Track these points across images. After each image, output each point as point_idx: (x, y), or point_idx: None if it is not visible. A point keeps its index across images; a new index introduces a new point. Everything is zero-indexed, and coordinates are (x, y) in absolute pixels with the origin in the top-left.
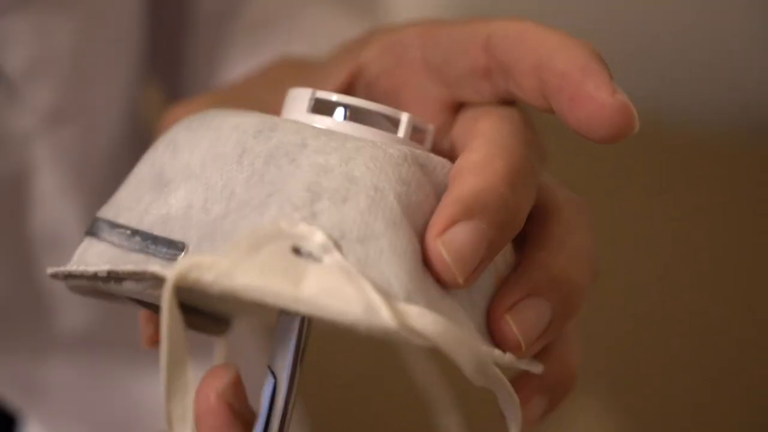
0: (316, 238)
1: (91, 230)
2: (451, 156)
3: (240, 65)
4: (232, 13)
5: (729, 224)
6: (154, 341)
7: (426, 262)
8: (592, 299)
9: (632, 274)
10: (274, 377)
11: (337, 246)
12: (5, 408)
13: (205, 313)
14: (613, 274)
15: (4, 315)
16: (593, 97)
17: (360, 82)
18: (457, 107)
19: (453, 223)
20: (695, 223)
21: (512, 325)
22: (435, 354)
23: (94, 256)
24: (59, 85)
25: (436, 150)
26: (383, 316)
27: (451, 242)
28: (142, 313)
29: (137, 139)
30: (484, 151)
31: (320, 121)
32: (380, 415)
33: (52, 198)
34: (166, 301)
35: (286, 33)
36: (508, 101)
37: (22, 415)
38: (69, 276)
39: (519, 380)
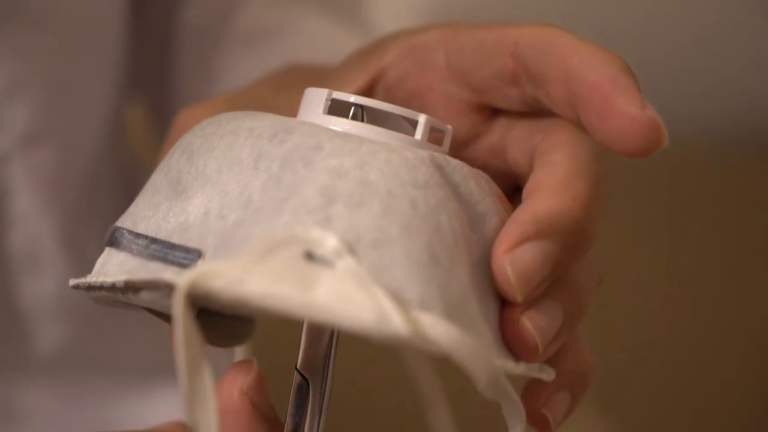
0: (329, 242)
1: (111, 240)
2: (491, 160)
3: (235, 77)
4: (219, 27)
5: (730, 228)
6: None
7: (491, 273)
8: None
9: (631, 278)
10: (306, 380)
11: (351, 251)
12: None
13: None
14: (613, 278)
15: None
16: (623, 112)
17: (380, 87)
18: (486, 111)
19: (524, 241)
20: (696, 226)
21: (530, 327)
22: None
23: (114, 266)
24: (36, 105)
25: (466, 153)
26: (395, 323)
27: (518, 261)
28: (168, 327)
29: (119, 157)
30: (566, 167)
31: (336, 123)
32: (371, 410)
33: (29, 218)
34: (178, 309)
35: (280, 44)
36: (535, 109)
37: None
38: (90, 288)
39: (537, 382)
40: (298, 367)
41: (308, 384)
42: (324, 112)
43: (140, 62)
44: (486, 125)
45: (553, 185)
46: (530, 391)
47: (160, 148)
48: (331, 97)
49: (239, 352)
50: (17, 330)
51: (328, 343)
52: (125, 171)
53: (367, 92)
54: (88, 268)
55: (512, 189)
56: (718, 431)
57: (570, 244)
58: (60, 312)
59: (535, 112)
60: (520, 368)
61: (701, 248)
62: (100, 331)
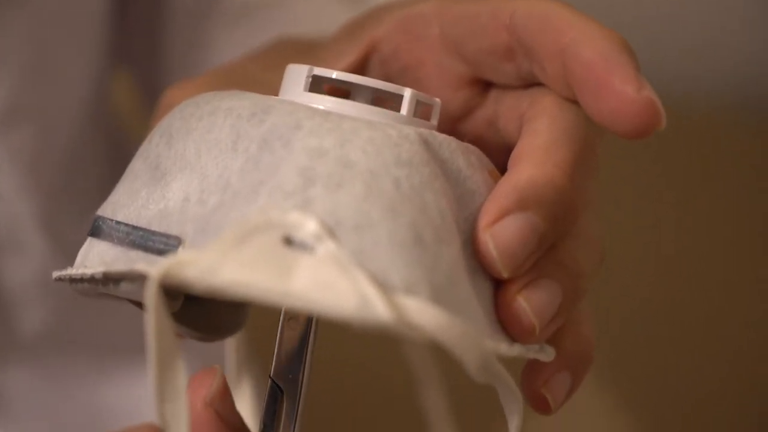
0: (308, 226)
1: (92, 230)
2: (487, 133)
3: (227, 51)
4: (210, 2)
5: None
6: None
7: (474, 251)
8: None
9: (630, 264)
10: (280, 389)
11: (332, 235)
12: None
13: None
14: (609, 264)
15: None
16: (618, 92)
17: (374, 59)
18: (481, 84)
19: (505, 214)
20: (698, 211)
21: (525, 306)
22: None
23: (94, 257)
24: (14, 83)
25: (462, 127)
26: (378, 310)
27: (499, 235)
28: None
29: (103, 135)
30: (547, 135)
31: (318, 101)
32: (348, 419)
33: (7, 199)
34: (150, 300)
35: (274, 18)
36: (532, 83)
37: None
38: (72, 280)
39: (537, 363)
40: (271, 375)
41: (282, 392)
42: (305, 90)
43: (127, 38)
44: (481, 98)
45: (535, 154)
46: (529, 371)
47: (148, 128)
48: (312, 74)
49: (230, 348)
50: (0, 310)
51: (304, 350)
52: (110, 148)
53: (361, 66)
54: (68, 249)
55: None
56: (723, 410)
57: (554, 214)
58: (42, 293)
59: (531, 86)
60: (515, 350)
61: (704, 235)
62: (83, 312)
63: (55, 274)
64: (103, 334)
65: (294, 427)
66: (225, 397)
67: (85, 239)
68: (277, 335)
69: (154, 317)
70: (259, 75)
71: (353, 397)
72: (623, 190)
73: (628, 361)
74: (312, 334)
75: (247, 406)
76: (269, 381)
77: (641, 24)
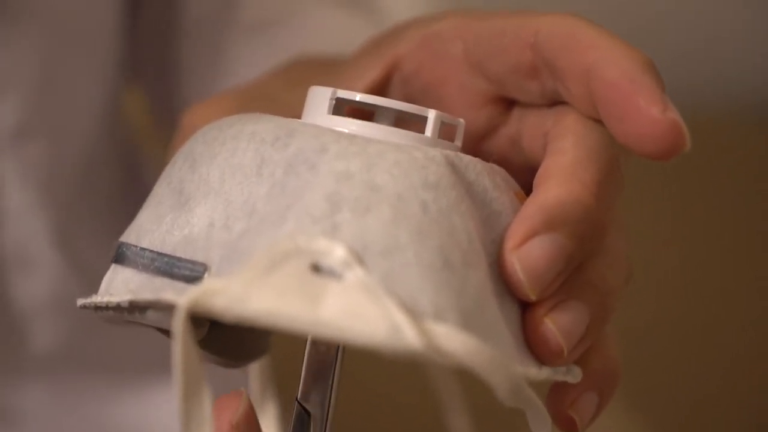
0: (336, 252)
1: (116, 257)
2: (510, 153)
3: (241, 66)
4: (223, 16)
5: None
6: None
7: (501, 273)
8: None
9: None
10: (307, 413)
11: (360, 261)
12: None
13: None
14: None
15: None
16: (643, 114)
17: (396, 78)
18: (504, 102)
19: (532, 235)
20: (703, 216)
21: (554, 329)
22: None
23: (119, 284)
24: (26, 100)
25: (485, 146)
26: (408, 338)
27: (526, 257)
28: None
29: (116, 150)
30: (572, 154)
31: (342, 124)
32: (388, 416)
33: (20, 216)
34: (178, 330)
35: (289, 32)
36: (556, 102)
37: None
38: (97, 308)
39: (564, 383)
40: (298, 398)
41: (309, 416)
42: (329, 112)
43: (139, 52)
44: (504, 116)
45: (561, 173)
46: (556, 392)
47: (162, 142)
48: (336, 96)
49: (254, 372)
50: (11, 330)
51: (331, 374)
52: (123, 164)
53: (383, 84)
54: (81, 266)
55: None
56: (724, 412)
57: (582, 234)
58: (54, 311)
59: (555, 104)
60: (544, 373)
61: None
62: (96, 330)
63: (80, 301)
64: (116, 353)
65: None
66: (251, 420)
67: (98, 255)
68: (304, 357)
69: (181, 347)
70: (281, 95)
71: (379, 422)
72: (631, 196)
73: (636, 370)
74: (339, 356)
75: (272, 430)
76: (295, 404)
77: (641, 24)
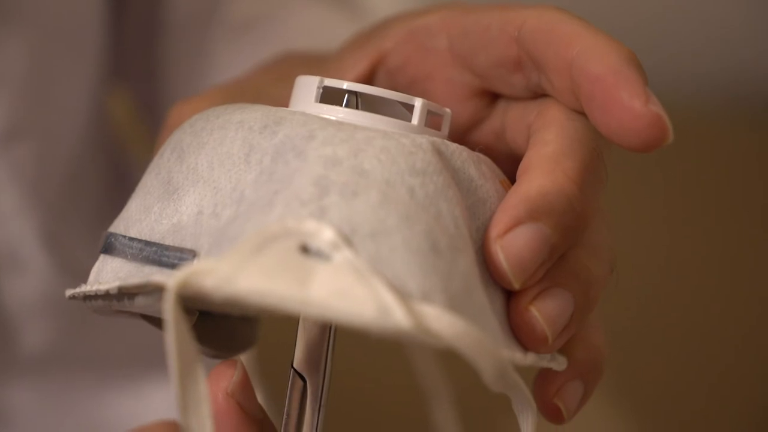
0: (325, 234)
1: (104, 247)
2: (495, 144)
3: (226, 64)
4: (208, 15)
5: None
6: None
7: (485, 261)
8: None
9: (626, 265)
10: (303, 379)
11: (348, 243)
12: None
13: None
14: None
15: None
16: (626, 106)
17: (381, 72)
18: (488, 95)
19: (516, 224)
20: (696, 212)
21: (538, 316)
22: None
23: (108, 273)
24: (14, 101)
25: (470, 138)
26: (397, 317)
27: (510, 246)
28: None
29: (103, 149)
30: (555, 145)
31: (329, 111)
32: (375, 407)
33: (9, 216)
34: (169, 309)
35: (274, 29)
36: (541, 95)
37: None
38: (86, 297)
39: (548, 372)
40: (294, 365)
41: (305, 382)
42: (316, 101)
43: (125, 52)
44: (489, 109)
45: (544, 164)
46: (542, 380)
47: (148, 141)
48: (323, 85)
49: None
50: (1, 329)
51: (326, 339)
52: (111, 163)
53: (368, 79)
54: (70, 266)
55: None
56: (737, 418)
57: (565, 224)
58: (44, 310)
59: (538, 96)
60: (529, 359)
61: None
62: (86, 329)
63: (69, 291)
64: (105, 352)
65: (319, 418)
66: (246, 388)
67: (87, 256)
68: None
69: (173, 327)
70: (268, 89)
71: (377, 385)
72: (621, 190)
73: (630, 364)
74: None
75: None
76: (291, 371)
77: (641, 24)
